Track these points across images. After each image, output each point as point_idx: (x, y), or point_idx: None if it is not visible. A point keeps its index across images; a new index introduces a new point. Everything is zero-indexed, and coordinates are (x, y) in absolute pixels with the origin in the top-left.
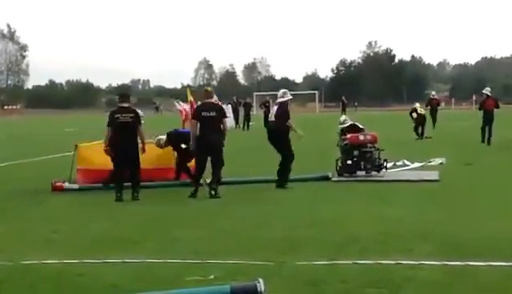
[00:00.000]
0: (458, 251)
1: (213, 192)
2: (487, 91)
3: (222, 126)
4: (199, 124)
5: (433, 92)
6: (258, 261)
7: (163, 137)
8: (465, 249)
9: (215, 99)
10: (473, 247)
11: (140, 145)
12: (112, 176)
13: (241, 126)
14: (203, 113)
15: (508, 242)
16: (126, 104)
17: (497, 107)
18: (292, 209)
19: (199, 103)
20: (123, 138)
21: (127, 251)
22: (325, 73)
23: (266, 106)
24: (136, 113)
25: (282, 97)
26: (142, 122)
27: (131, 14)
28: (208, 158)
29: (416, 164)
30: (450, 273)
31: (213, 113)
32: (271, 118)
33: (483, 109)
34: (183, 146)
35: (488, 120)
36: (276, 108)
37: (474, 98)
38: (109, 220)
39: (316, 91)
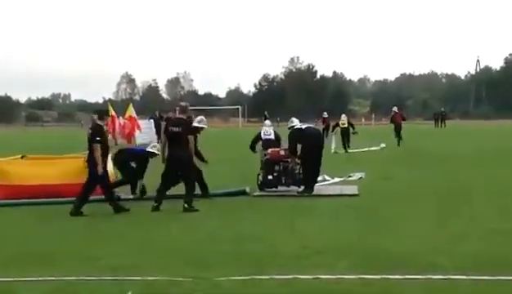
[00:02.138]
0: (376, 264)
1: (185, 205)
2: (395, 108)
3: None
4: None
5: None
6: (177, 278)
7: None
8: (383, 262)
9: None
10: (391, 260)
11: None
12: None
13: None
14: (170, 128)
15: (423, 255)
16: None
17: (404, 119)
18: (212, 224)
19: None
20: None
21: (44, 269)
22: (248, 88)
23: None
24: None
25: (198, 122)
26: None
27: (53, 24)
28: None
29: (336, 179)
30: (367, 287)
31: (178, 129)
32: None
33: (393, 122)
34: (133, 165)
35: (397, 130)
36: None
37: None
38: (28, 236)
39: (239, 106)
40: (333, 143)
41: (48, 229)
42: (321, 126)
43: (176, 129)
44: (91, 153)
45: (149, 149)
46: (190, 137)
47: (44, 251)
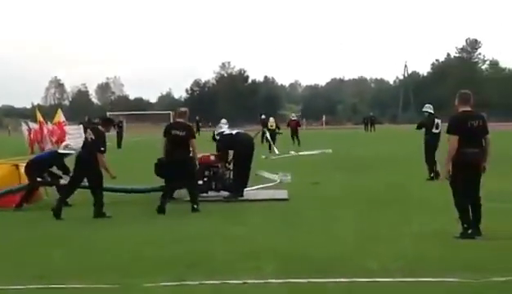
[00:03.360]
0: (303, 268)
1: (194, 206)
2: (293, 115)
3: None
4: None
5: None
6: (104, 285)
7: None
8: (310, 266)
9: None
10: (318, 264)
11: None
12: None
13: None
14: (173, 132)
15: (349, 259)
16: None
17: (299, 126)
18: (140, 229)
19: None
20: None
21: None
22: (180, 93)
23: (119, 126)
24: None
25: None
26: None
27: None
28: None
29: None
30: (294, 291)
31: (182, 133)
32: None
33: (290, 127)
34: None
35: (294, 134)
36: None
37: (324, 118)
38: None
39: (170, 112)
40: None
41: None
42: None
43: (180, 133)
44: (94, 158)
45: (61, 151)
46: (194, 141)
47: None
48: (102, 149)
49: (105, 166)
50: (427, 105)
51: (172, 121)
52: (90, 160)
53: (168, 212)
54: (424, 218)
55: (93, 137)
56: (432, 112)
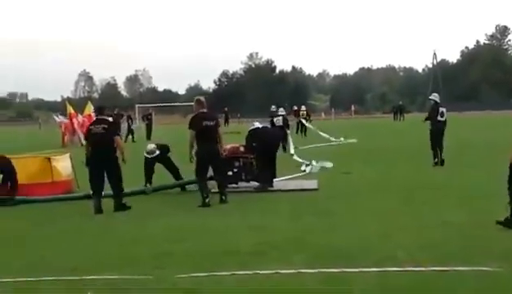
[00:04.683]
0: (333, 258)
1: (223, 197)
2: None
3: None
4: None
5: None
6: (137, 275)
7: (153, 145)
8: (340, 256)
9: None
10: (347, 253)
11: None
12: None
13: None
14: (204, 123)
15: (378, 248)
16: (102, 116)
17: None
18: (169, 222)
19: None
20: (97, 149)
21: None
22: (208, 84)
23: (148, 118)
24: (110, 123)
25: None
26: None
27: (7, 22)
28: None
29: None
30: (326, 280)
31: (212, 123)
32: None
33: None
34: None
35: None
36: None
37: (353, 108)
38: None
39: None
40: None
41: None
42: (294, 120)
43: (210, 123)
44: (112, 144)
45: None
46: (221, 130)
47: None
48: (118, 133)
49: (123, 149)
50: (434, 94)
51: (197, 111)
52: (108, 151)
53: (197, 204)
54: (455, 207)
55: (105, 126)
56: (438, 101)
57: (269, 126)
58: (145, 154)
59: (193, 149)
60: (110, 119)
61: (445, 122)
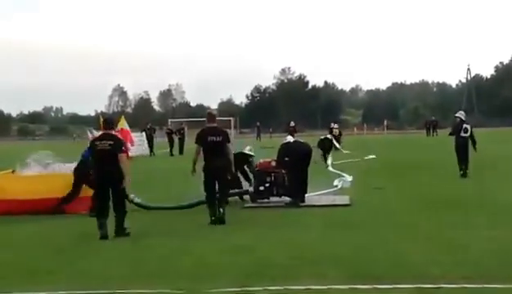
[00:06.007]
0: (365, 274)
1: (221, 210)
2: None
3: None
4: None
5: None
6: (169, 290)
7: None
8: (373, 272)
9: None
10: (381, 269)
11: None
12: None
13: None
14: (209, 138)
15: (413, 264)
16: (108, 131)
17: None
18: (203, 236)
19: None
20: (102, 166)
21: (35, 284)
22: (241, 99)
23: (181, 133)
24: (117, 139)
25: None
26: (123, 148)
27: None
28: None
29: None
30: None
31: (219, 138)
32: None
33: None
34: None
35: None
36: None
37: (386, 123)
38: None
39: (231, 118)
40: (329, 158)
41: (35, 244)
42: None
43: (216, 138)
44: (116, 163)
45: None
46: (230, 145)
47: (34, 267)
48: (123, 149)
49: (128, 168)
50: (461, 112)
51: (205, 126)
52: (113, 170)
53: (228, 219)
54: (488, 223)
55: (111, 142)
56: (463, 118)
57: (300, 140)
58: (247, 151)
59: (198, 164)
60: (118, 134)
61: (468, 137)
